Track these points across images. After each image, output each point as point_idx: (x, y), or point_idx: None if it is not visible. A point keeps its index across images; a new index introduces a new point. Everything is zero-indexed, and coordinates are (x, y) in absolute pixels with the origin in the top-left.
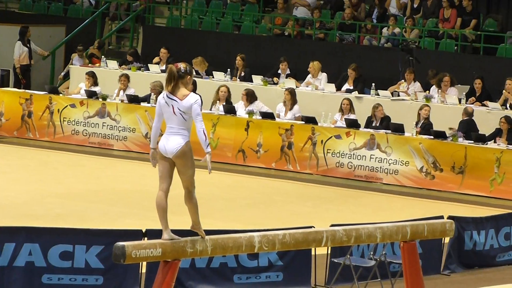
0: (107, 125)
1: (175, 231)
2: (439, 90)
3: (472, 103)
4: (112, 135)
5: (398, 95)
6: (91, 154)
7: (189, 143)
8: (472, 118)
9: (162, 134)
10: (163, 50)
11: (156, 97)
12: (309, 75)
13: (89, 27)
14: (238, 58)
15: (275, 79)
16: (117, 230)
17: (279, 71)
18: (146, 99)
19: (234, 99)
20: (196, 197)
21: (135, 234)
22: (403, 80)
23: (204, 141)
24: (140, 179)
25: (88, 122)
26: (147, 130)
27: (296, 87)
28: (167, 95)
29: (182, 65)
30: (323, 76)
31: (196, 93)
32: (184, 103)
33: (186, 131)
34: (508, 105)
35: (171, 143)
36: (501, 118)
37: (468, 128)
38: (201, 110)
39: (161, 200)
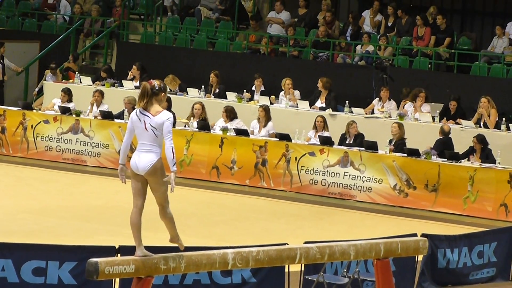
0: (81, 141)
1: (148, 248)
2: (414, 106)
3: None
4: (85, 151)
5: (372, 113)
6: (65, 170)
7: (160, 160)
8: (449, 136)
9: (133, 150)
10: (134, 68)
11: (130, 113)
12: (282, 92)
13: (63, 43)
14: (212, 75)
15: (246, 94)
16: (90, 246)
17: (253, 88)
18: (120, 115)
19: (209, 116)
20: (171, 211)
21: (108, 251)
22: (374, 103)
23: (171, 159)
24: (114, 195)
25: (61, 138)
26: (120, 146)
27: (271, 103)
28: (140, 111)
29: (156, 82)
30: (296, 93)
31: (170, 111)
32: (157, 119)
33: (158, 147)
34: (482, 123)
35: (143, 160)
36: (473, 137)
37: (444, 147)
38: (172, 128)
39: (135, 217)
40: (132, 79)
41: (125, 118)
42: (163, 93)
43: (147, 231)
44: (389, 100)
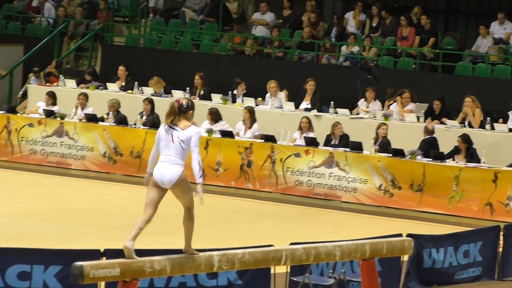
0: (65, 144)
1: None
2: (399, 106)
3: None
4: (70, 154)
5: (358, 113)
6: (49, 174)
7: (184, 171)
8: (434, 136)
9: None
10: (121, 68)
11: (114, 115)
12: (268, 94)
13: (48, 46)
14: (196, 77)
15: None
16: (75, 250)
17: (235, 92)
18: (103, 118)
19: (195, 118)
20: (193, 217)
21: (93, 254)
22: (359, 104)
23: (197, 171)
24: (98, 198)
25: (46, 142)
26: (105, 149)
27: (256, 105)
28: (168, 126)
29: (184, 101)
30: (282, 94)
31: (154, 113)
32: (185, 133)
33: (182, 160)
34: (466, 123)
35: (168, 172)
36: (458, 137)
37: (429, 147)
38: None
39: (141, 222)
40: (116, 81)
41: (109, 121)
42: (191, 111)
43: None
44: (375, 100)
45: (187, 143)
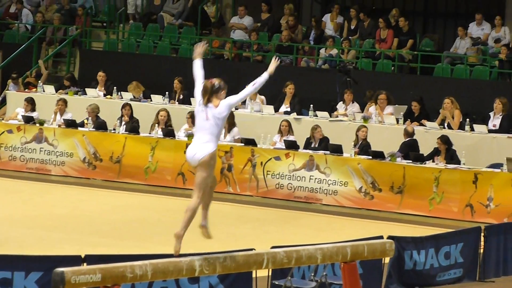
0: (45, 150)
1: (115, 256)
2: (377, 109)
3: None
4: (49, 160)
5: (337, 116)
6: (29, 180)
7: (215, 152)
8: (414, 138)
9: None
10: (100, 73)
11: (93, 121)
12: (247, 98)
13: (26, 52)
14: (176, 81)
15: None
16: (56, 256)
17: None
18: (83, 124)
19: (174, 122)
20: (197, 207)
21: (74, 260)
22: (338, 107)
23: (257, 84)
24: (78, 204)
25: (25, 148)
26: (84, 154)
27: (236, 108)
28: (203, 105)
29: (216, 81)
30: (262, 98)
31: (133, 118)
32: (219, 109)
33: (216, 138)
34: (446, 124)
35: (200, 150)
36: (437, 138)
37: (410, 150)
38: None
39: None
40: (94, 86)
41: (89, 126)
42: (223, 91)
43: (114, 239)
44: (353, 102)
45: (221, 119)
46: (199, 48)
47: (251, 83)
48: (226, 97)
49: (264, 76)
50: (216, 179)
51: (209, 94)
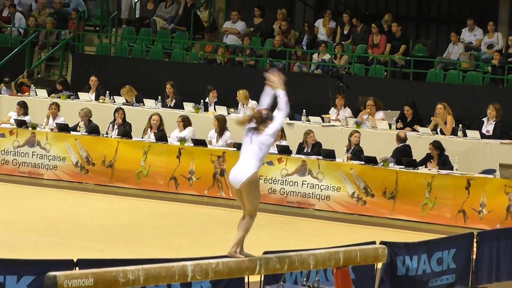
0: (37, 154)
1: (107, 260)
2: (369, 115)
3: (401, 128)
4: (42, 164)
5: (329, 121)
6: (21, 184)
7: (257, 174)
8: (407, 143)
9: None
10: (93, 78)
11: (86, 125)
12: (240, 103)
13: (18, 56)
14: (168, 86)
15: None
16: (49, 260)
17: (207, 100)
18: (75, 128)
19: (166, 127)
20: (252, 224)
21: (66, 264)
22: (330, 112)
23: (283, 101)
24: (71, 208)
25: (18, 152)
26: (77, 158)
27: (228, 113)
28: (248, 129)
29: (264, 111)
30: (253, 103)
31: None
32: (263, 135)
33: (258, 162)
34: (438, 130)
35: (241, 172)
36: (429, 144)
37: (403, 155)
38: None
39: (239, 222)
40: (88, 90)
41: (81, 131)
42: (269, 121)
43: (106, 243)
44: (344, 107)
45: (265, 145)
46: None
47: (277, 110)
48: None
49: (281, 94)
50: (255, 211)
51: (257, 123)
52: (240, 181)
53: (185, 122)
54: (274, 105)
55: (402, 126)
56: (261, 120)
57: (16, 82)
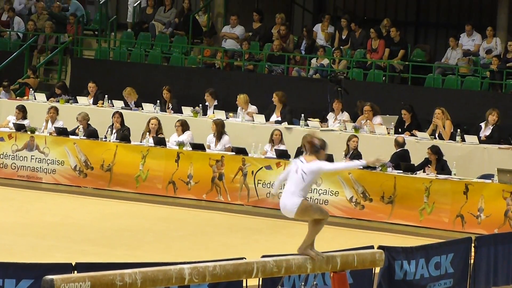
0: (36, 158)
1: (105, 264)
2: (367, 120)
3: (400, 133)
4: (40, 168)
5: (327, 126)
6: (20, 187)
7: (304, 201)
8: (405, 148)
9: None
10: (91, 85)
11: (84, 129)
12: (239, 108)
13: (17, 60)
14: (164, 91)
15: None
16: (46, 264)
17: (207, 103)
18: (74, 132)
19: (165, 131)
20: (324, 223)
21: (64, 268)
22: (328, 117)
23: (355, 165)
24: (69, 212)
25: (16, 155)
26: (75, 162)
27: (227, 117)
28: (300, 158)
29: (317, 141)
30: (253, 108)
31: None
32: (309, 165)
33: (302, 191)
34: (437, 135)
35: (288, 204)
36: (428, 149)
37: (401, 160)
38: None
39: (309, 221)
40: (87, 95)
41: (80, 134)
42: (322, 151)
43: (104, 247)
44: (342, 112)
45: (309, 175)
46: None
47: (346, 162)
48: (324, 156)
49: (359, 163)
50: (325, 215)
51: (308, 151)
52: (291, 212)
53: (184, 126)
54: None
55: (400, 131)
56: (314, 150)
57: (24, 77)
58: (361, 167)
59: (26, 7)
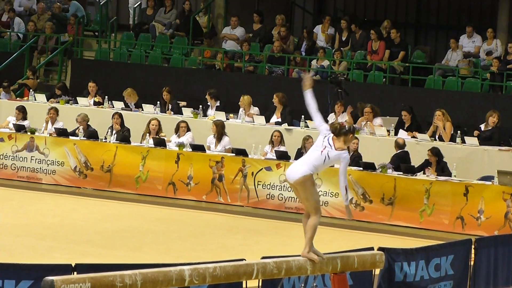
0: (36, 159)
1: (104, 265)
2: (367, 121)
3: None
4: (40, 168)
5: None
6: (20, 188)
7: (312, 176)
8: (405, 150)
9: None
10: (91, 84)
11: (84, 129)
12: (241, 109)
13: (18, 60)
14: (164, 92)
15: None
16: (46, 265)
17: (208, 103)
18: (74, 132)
19: (165, 132)
20: (317, 223)
21: (64, 269)
22: (329, 119)
23: (344, 195)
24: (69, 213)
25: (16, 156)
26: (75, 163)
27: (227, 118)
28: (328, 138)
29: (347, 125)
30: (255, 110)
31: (124, 127)
32: (336, 152)
33: (315, 169)
34: (437, 136)
35: (297, 170)
36: (428, 150)
37: (401, 162)
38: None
39: (303, 222)
40: (87, 95)
41: (80, 135)
42: (351, 134)
43: (104, 248)
44: (343, 113)
45: (331, 161)
46: (308, 80)
47: (345, 185)
48: (351, 140)
49: (345, 203)
50: (317, 209)
51: (337, 134)
52: (294, 178)
53: (184, 127)
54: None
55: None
56: (342, 133)
57: (24, 78)
58: (344, 202)
59: (25, 8)
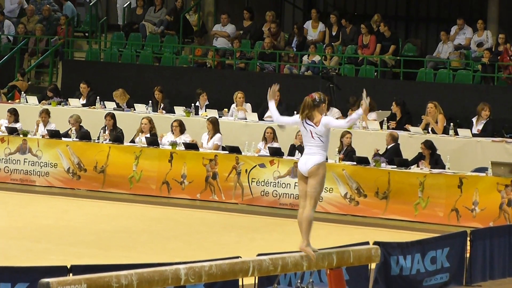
0: (29, 161)
1: (101, 266)
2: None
3: (393, 128)
4: (34, 171)
5: None
6: (13, 191)
7: (324, 163)
8: (398, 143)
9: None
10: (82, 85)
11: (76, 131)
12: (233, 105)
13: (8, 63)
14: (156, 91)
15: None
16: (42, 267)
17: (198, 103)
18: (66, 134)
19: (159, 131)
20: (312, 216)
21: (60, 271)
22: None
23: (355, 118)
24: (63, 214)
25: (9, 159)
26: (69, 165)
27: (220, 116)
28: (305, 121)
29: (316, 96)
30: (248, 106)
31: (116, 128)
32: (320, 128)
33: (324, 151)
34: (430, 129)
35: (309, 161)
36: (421, 143)
37: (395, 155)
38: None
39: (299, 216)
40: (79, 96)
41: (72, 137)
42: (323, 104)
43: (99, 249)
44: (331, 108)
45: (325, 136)
46: (274, 93)
47: (348, 118)
48: (328, 108)
49: (359, 113)
50: (317, 201)
51: (308, 110)
52: (307, 168)
53: (182, 126)
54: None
55: (395, 126)
56: (315, 105)
57: (8, 89)
58: (360, 114)
59: (15, 11)
